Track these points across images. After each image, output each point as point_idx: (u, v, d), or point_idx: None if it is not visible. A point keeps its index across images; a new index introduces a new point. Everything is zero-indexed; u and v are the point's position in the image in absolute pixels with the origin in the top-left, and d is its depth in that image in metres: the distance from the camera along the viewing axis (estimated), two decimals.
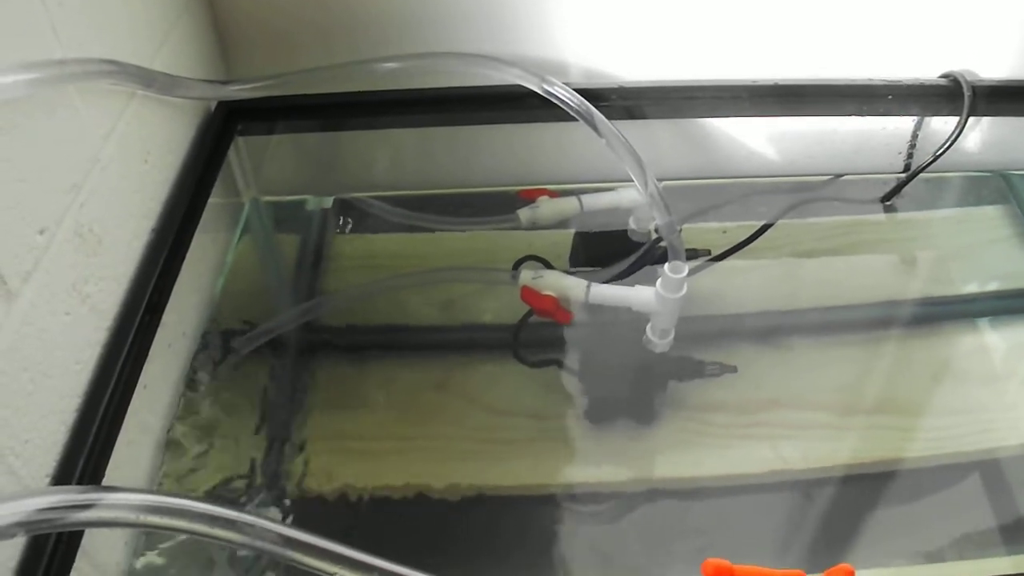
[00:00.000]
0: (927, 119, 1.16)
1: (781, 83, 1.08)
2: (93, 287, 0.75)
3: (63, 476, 0.68)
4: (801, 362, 1.05)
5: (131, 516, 0.56)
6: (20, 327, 0.64)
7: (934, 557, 0.87)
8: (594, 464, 0.96)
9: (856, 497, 0.93)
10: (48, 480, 0.68)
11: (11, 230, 0.64)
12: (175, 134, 0.97)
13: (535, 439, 0.98)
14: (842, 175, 1.21)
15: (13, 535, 0.51)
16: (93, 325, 0.76)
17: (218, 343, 1.03)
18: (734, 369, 1.00)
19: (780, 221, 1.17)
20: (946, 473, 0.94)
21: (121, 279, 0.82)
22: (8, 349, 0.63)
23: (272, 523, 0.59)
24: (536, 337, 1.04)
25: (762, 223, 1.16)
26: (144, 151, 0.88)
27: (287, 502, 0.91)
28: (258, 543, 0.58)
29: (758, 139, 1.18)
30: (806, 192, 1.21)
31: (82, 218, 0.74)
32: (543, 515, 0.92)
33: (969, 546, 0.88)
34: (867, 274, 1.16)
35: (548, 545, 0.89)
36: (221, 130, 1.04)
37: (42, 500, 0.54)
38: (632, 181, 0.97)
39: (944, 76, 1.10)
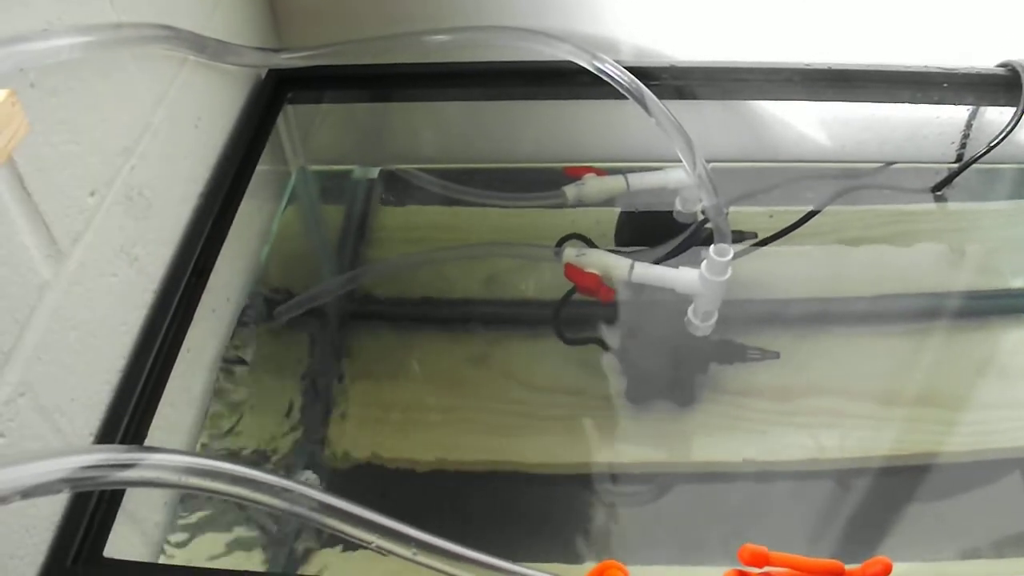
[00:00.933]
0: (982, 109, 1.13)
1: (834, 67, 1.06)
2: (141, 250, 0.76)
3: (107, 435, 0.70)
4: (844, 351, 1.04)
5: (172, 477, 0.56)
6: (69, 287, 0.65)
7: (971, 554, 0.87)
8: (632, 444, 0.96)
9: (893, 489, 0.92)
10: (92, 439, 0.69)
11: (63, 191, 0.65)
12: (226, 101, 0.97)
13: (573, 417, 0.98)
14: (893, 163, 1.19)
15: (58, 491, 0.52)
16: (140, 287, 0.77)
17: (261, 309, 1.03)
18: (776, 355, 0.99)
19: (828, 207, 1.16)
20: (986, 469, 0.93)
21: (168, 243, 0.83)
22: (57, 308, 0.64)
23: (310, 489, 0.59)
24: (578, 315, 1.04)
25: (809, 208, 1.15)
26: (195, 117, 0.88)
27: (323, 469, 0.92)
28: (296, 508, 0.59)
29: (809, 123, 1.16)
30: (855, 179, 1.20)
31: (132, 181, 0.74)
32: (578, 493, 0.92)
33: (1008, 544, 0.87)
34: (914, 264, 1.15)
35: (581, 524, 0.89)
36: (271, 98, 1.04)
37: (86, 458, 0.54)
38: (680, 161, 0.96)
39: (1002, 65, 1.07)
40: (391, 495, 0.92)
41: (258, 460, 0.91)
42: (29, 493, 0.52)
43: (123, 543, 0.70)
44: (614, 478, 0.94)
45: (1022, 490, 0.91)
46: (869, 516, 0.89)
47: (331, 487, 0.89)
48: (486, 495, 0.93)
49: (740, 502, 0.92)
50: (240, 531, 0.85)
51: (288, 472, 0.91)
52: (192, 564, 0.81)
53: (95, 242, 0.69)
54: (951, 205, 1.19)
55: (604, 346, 1.03)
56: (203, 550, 0.83)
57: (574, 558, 0.87)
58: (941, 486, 0.92)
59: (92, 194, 0.68)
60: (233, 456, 0.91)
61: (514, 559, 0.60)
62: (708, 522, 0.91)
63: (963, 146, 1.17)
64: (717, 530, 0.89)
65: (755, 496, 0.93)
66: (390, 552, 0.59)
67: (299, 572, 0.84)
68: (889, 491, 0.92)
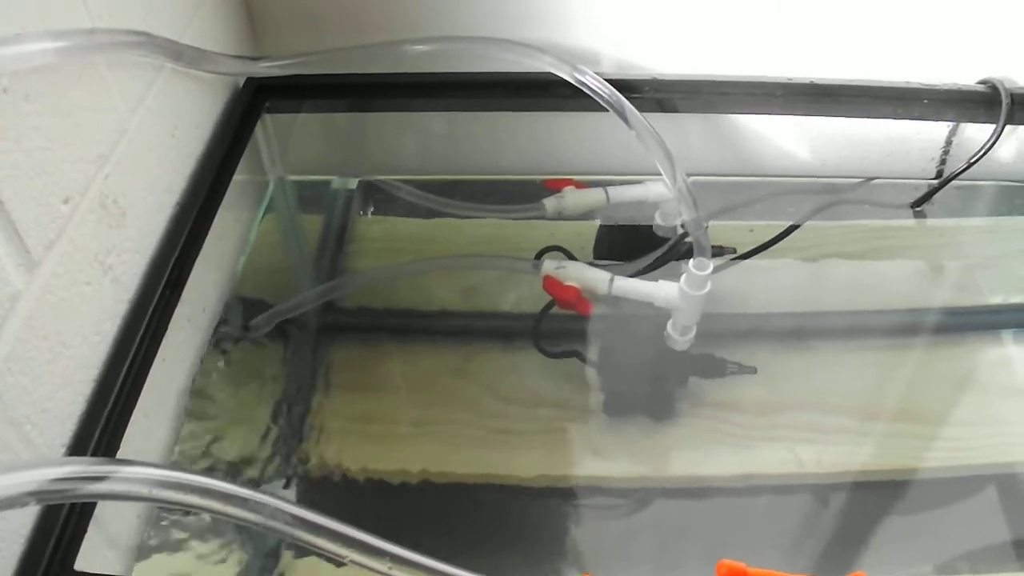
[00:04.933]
0: (962, 125, 1.14)
1: (816, 82, 1.06)
2: (115, 259, 0.75)
3: (79, 447, 0.68)
4: (822, 365, 1.04)
5: (144, 490, 0.55)
6: (41, 296, 0.64)
7: (946, 569, 0.87)
8: (609, 458, 0.95)
9: (871, 504, 0.92)
10: (64, 450, 0.68)
11: (36, 198, 0.64)
12: (203, 109, 0.96)
13: (551, 430, 0.97)
14: (873, 178, 1.19)
15: (25, 504, 0.51)
16: (114, 297, 0.76)
17: (238, 320, 1.02)
18: (754, 370, 0.99)
19: (808, 222, 1.16)
20: (963, 485, 0.93)
21: (143, 252, 0.82)
22: (29, 317, 0.63)
23: (285, 503, 0.58)
24: (556, 328, 1.03)
25: (790, 223, 1.15)
26: (171, 125, 0.87)
27: (299, 482, 0.91)
28: (270, 523, 0.58)
29: (790, 138, 1.17)
30: (836, 194, 1.20)
31: (107, 189, 0.74)
32: (555, 508, 0.92)
33: (983, 560, 0.87)
34: (893, 280, 1.15)
35: (559, 538, 0.89)
36: (249, 107, 1.03)
37: (57, 470, 0.53)
38: (660, 175, 0.95)
39: (982, 82, 1.08)
40: (367, 508, 0.92)
41: (233, 472, 0.90)
42: None
43: (95, 556, 0.68)
44: (592, 492, 0.93)
45: (998, 506, 0.91)
46: (846, 531, 0.89)
47: (306, 500, 0.89)
48: (463, 508, 0.92)
49: (718, 516, 0.92)
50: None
51: (263, 485, 0.90)
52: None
53: (68, 251, 0.68)
54: (930, 221, 1.19)
55: (583, 359, 1.02)
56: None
57: (551, 573, 0.86)
58: (918, 501, 0.92)
59: (66, 202, 0.67)
60: (208, 469, 0.90)
61: (490, 574, 0.60)
62: (686, 537, 0.90)
63: (943, 162, 1.17)
64: (695, 544, 0.89)
65: (733, 510, 0.92)
66: (365, 566, 0.59)
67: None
68: (866, 506, 0.92)
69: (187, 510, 0.57)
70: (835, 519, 0.91)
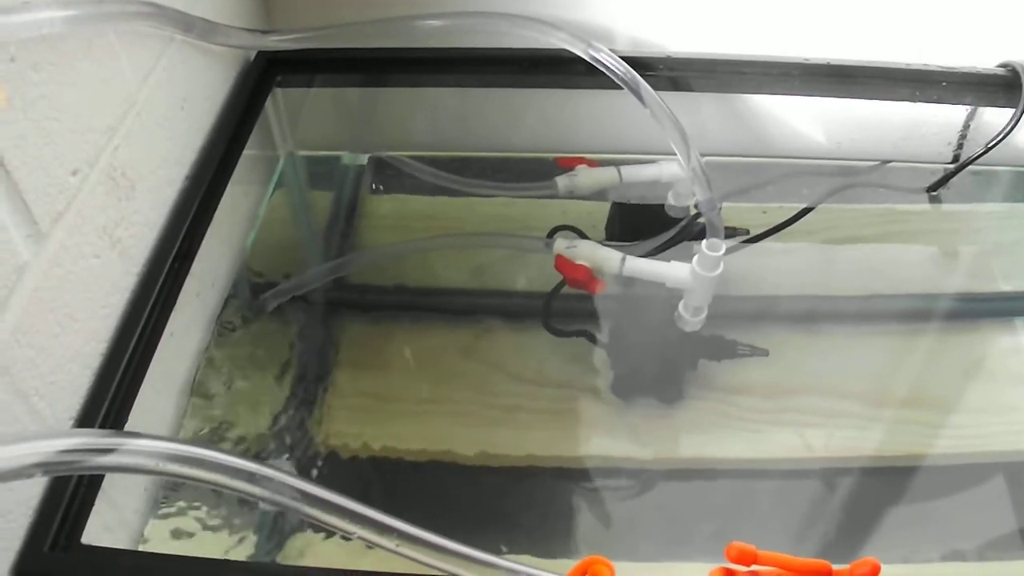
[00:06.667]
0: (980, 109, 1.12)
1: (833, 63, 1.05)
2: (124, 231, 0.75)
3: (86, 420, 0.68)
4: (833, 349, 1.03)
5: (152, 463, 0.55)
6: (49, 268, 0.64)
7: (953, 556, 0.86)
8: (618, 439, 0.95)
9: (878, 489, 0.92)
10: (71, 423, 0.67)
11: (44, 169, 0.63)
12: (213, 82, 0.96)
13: (560, 410, 0.97)
14: (889, 162, 1.18)
15: (31, 475, 0.50)
16: (122, 270, 0.76)
17: (247, 295, 1.02)
18: (765, 352, 0.99)
19: (821, 205, 1.15)
20: (971, 472, 0.93)
21: (152, 225, 0.81)
22: (36, 289, 0.62)
23: (293, 478, 0.59)
24: (567, 307, 1.03)
25: (803, 206, 1.14)
26: (181, 97, 0.87)
27: (307, 458, 0.91)
28: (277, 498, 0.58)
29: (805, 119, 1.15)
30: (850, 177, 1.19)
31: (116, 161, 0.73)
32: (563, 487, 0.91)
33: (990, 548, 0.87)
34: (907, 264, 1.14)
35: (565, 518, 0.88)
36: (259, 80, 1.03)
37: (65, 442, 0.53)
38: (674, 154, 0.95)
39: (1002, 66, 1.06)
40: (374, 485, 0.92)
41: (240, 447, 0.90)
42: (4, 477, 0.50)
43: (102, 529, 0.68)
44: (599, 472, 0.93)
45: (1006, 494, 0.90)
46: (853, 516, 0.89)
47: (315, 476, 0.89)
48: (469, 487, 0.92)
49: (725, 499, 0.92)
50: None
51: (269, 460, 0.90)
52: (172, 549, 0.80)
53: (77, 223, 0.67)
54: (945, 206, 1.18)
55: (592, 339, 1.02)
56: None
57: (557, 552, 0.86)
58: (926, 488, 0.92)
59: (74, 173, 0.67)
60: (216, 443, 0.89)
61: (496, 552, 0.60)
62: (693, 519, 0.90)
63: (960, 147, 1.16)
64: (702, 527, 0.89)
65: (740, 493, 0.92)
66: (373, 543, 0.59)
67: (281, 555, 0.83)
68: (874, 491, 0.91)
69: (195, 484, 0.57)
70: (842, 504, 0.90)
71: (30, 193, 0.61)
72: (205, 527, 0.83)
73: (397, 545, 0.59)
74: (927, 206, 1.18)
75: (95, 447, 0.54)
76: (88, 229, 0.69)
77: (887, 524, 0.87)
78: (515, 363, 1.01)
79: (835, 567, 0.57)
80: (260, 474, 0.58)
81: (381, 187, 1.21)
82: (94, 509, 0.65)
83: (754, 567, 0.56)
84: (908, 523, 0.88)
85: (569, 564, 0.58)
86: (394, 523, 0.59)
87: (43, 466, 0.51)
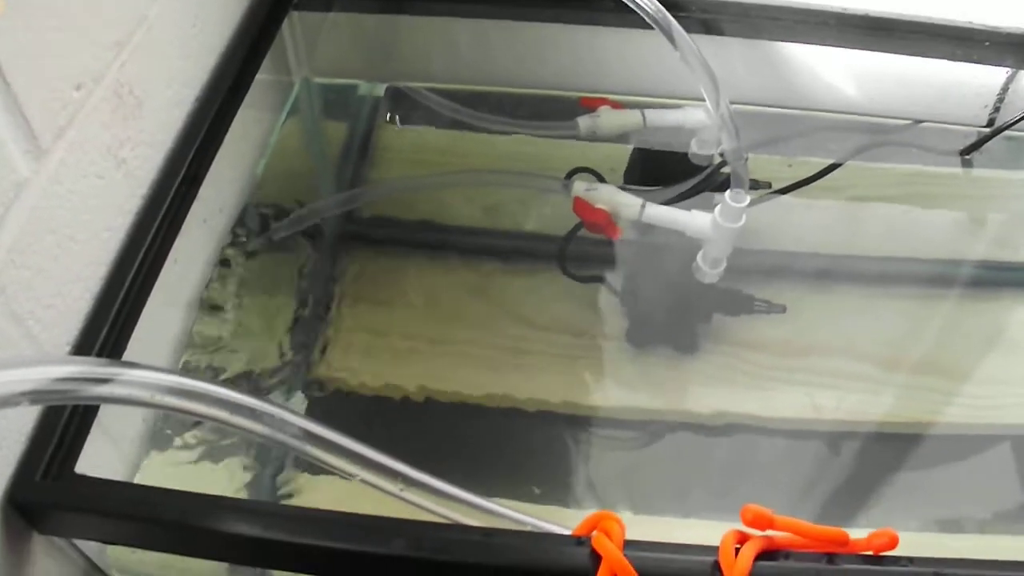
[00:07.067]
0: (1021, 72, 1.09)
1: (872, 14, 1.02)
2: (129, 152, 0.72)
3: (84, 345, 0.66)
4: (850, 310, 1.02)
5: (148, 395, 0.53)
6: (48, 186, 0.61)
7: (954, 526, 0.86)
8: (628, 388, 0.95)
9: (885, 455, 0.91)
10: (68, 348, 0.66)
11: (45, 82, 0.60)
12: (227, 1, 0.92)
13: (570, 356, 0.96)
14: (921, 121, 1.15)
15: (18, 403, 0.48)
16: (127, 192, 0.73)
17: (255, 224, 1.00)
18: (782, 309, 0.97)
19: (849, 162, 1.12)
20: (982, 443, 0.93)
21: (160, 146, 0.79)
22: (34, 208, 0.60)
23: (295, 416, 0.57)
24: (582, 252, 1.02)
25: (830, 162, 1.11)
26: (194, 15, 0.84)
27: (309, 393, 0.90)
28: (279, 435, 0.57)
29: (838, 71, 1.12)
30: (880, 134, 1.15)
31: (123, 78, 0.70)
32: (569, 435, 0.91)
33: (993, 520, 0.87)
34: (933, 228, 1.12)
35: (570, 466, 0.88)
36: (276, 1, 0.99)
37: (57, 369, 0.51)
38: (701, 101, 0.93)
39: None
40: (376, 422, 0.91)
41: (242, 381, 0.89)
42: None
43: (98, 459, 0.67)
44: (607, 422, 0.93)
45: (1016, 467, 0.90)
46: (858, 480, 0.89)
47: (315, 411, 0.89)
48: (474, 430, 0.92)
49: (732, 455, 0.92)
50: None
51: (271, 395, 0.89)
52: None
53: (79, 140, 0.65)
54: (977, 171, 1.15)
55: (607, 286, 1.01)
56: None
57: (562, 501, 0.86)
58: (934, 457, 0.92)
59: (78, 88, 0.64)
60: (216, 376, 0.88)
61: (499, 497, 0.60)
62: (697, 472, 0.90)
63: (996, 110, 1.12)
64: (707, 481, 0.89)
65: (747, 450, 0.92)
66: (376, 487, 0.58)
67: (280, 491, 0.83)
68: (881, 457, 0.91)
69: (194, 419, 0.55)
70: (847, 468, 0.90)
71: (30, 107, 0.58)
72: (204, 458, 0.82)
73: (401, 490, 0.58)
74: (958, 170, 1.15)
75: (90, 376, 0.52)
76: (91, 147, 0.67)
77: (890, 490, 0.88)
78: (526, 306, 1.00)
79: (852, 537, 0.55)
80: (261, 410, 0.56)
81: (398, 119, 1.19)
82: (89, 437, 0.63)
83: (769, 532, 0.55)
84: (911, 490, 0.88)
85: (572, 513, 0.58)
86: (399, 467, 0.58)
87: (34, 394, 0.49)
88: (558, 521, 0.61)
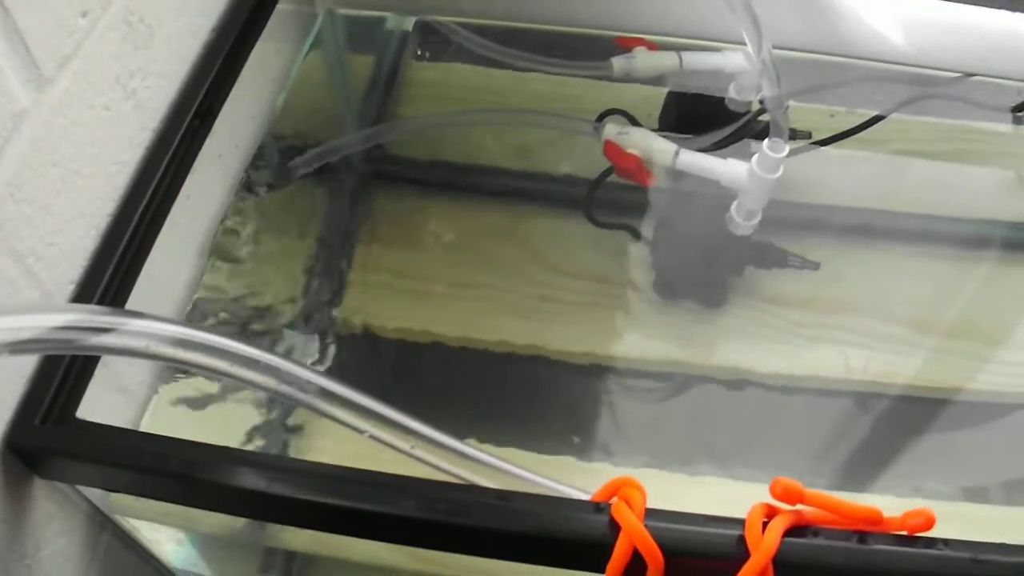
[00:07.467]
0: None
1: None
2: (140, 83, 0.69)
3: (89, 285, 0.64)
4: (886, 269, 1.00)
5: (152, 347, 0.51)
6: (51, 117, 0.58)
7: (979, 495, 0.85)
8: (654, 339, 0.93)
9: (913, 419, 0.90)
10: (72, 287, 0.63)
11: (47, 7, 0.57)
12: None
13: (596, 304, 0.95)
14: (973, 75, 1.09)
15: (13, 353, 0.46)
16: (137, 125, 0.70)
17: (273, 160, 0.98)
18: (816, 265, 0.95)
19: (894, 114, 1.08)
20: (1013, 412, 0.91)
21: (172, 78, 0.75)
22: (35, 140, 0.57)
23: (304, 370, 0.55)
24: (612, 197, 1.00)
25: (874, 113, 1.07)
26: None
27: (325, 336, 0.89)
28: (287, 389, 0.55)
29: (888, 18, 1.06)
30: (929, 87, 1.10)
31: (133, 5, 0.67)
32: (592, 385, 0.91)
33: (1018, 491, 0.86)
34: (978, 187, 1.08)
35: (591, 417, 0.88)
36: None
37: (57, 317, 0.49)
38: (741, 44, 0.89)
39: None
40: (396, 368, 0.91)
41: (256, 325, 0.87)
42: None
43: (101, 403, 0.65)
44: (631, 373, 0.92)
45: None
46: (883, 443, 0.88)
47: (336, 356, 0.88)
48: (495, 376, 0.91)
49: (757, 412, 0.91)
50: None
51: (289, 337, 0.88)
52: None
53: (85, 69, 0.61)
54: None
55: (636, 234, 0.99)
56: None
57: (582, 451, 0.85)
58: (963, 422, 0.91)
59: (84, 15, 0.61)
60: (228, 321, 0.87)
61: (514, 446, 0.57)
62: (719, 429, 0.90)
63: None
64: (731, 438, 0.88)
65: (774, 407, 0.91)
66: (386, 444, 0.56)
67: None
68: (909, 420, 0.90)
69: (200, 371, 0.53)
70: (873, 429, 0.89)
71: (31, 33, 0.55)
72: (213, 401, 0.80)
73: (412, 447, 0.56)
74: (1009, 127, 1.11)
75: (91, 325, 0.50)
76: (97, 77, 0.64)
77: (915, 455, 0.87)
78: (554, 252, 0.98)
79: (887, 516, 0.53)
80: (269, 364, 0.54)
81: (426, 54, 1.17)
82: (93, 380, 0.61)
83: (799, 506, 0.52)
84: (938, 456, 0.88)
85: (592, 468, 0.57)
86: (412, 423, 0.56)
87: (31, 343, 0.47)
88: (575, 474, 0.59)
